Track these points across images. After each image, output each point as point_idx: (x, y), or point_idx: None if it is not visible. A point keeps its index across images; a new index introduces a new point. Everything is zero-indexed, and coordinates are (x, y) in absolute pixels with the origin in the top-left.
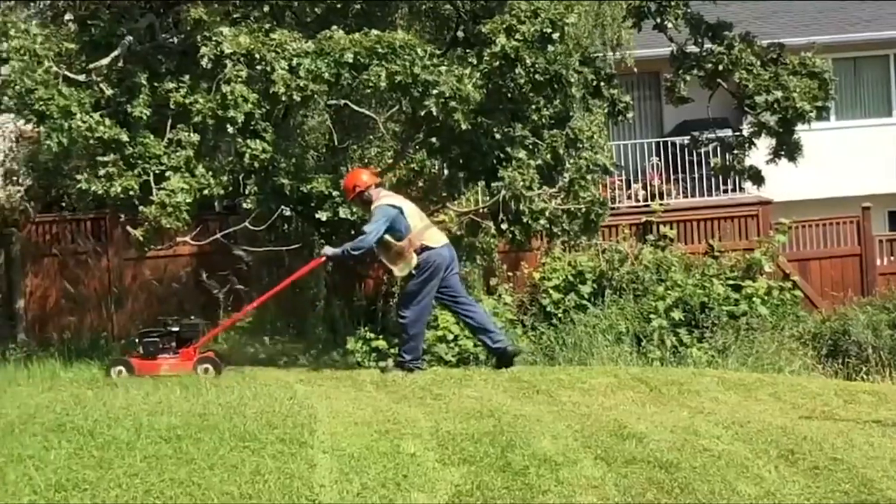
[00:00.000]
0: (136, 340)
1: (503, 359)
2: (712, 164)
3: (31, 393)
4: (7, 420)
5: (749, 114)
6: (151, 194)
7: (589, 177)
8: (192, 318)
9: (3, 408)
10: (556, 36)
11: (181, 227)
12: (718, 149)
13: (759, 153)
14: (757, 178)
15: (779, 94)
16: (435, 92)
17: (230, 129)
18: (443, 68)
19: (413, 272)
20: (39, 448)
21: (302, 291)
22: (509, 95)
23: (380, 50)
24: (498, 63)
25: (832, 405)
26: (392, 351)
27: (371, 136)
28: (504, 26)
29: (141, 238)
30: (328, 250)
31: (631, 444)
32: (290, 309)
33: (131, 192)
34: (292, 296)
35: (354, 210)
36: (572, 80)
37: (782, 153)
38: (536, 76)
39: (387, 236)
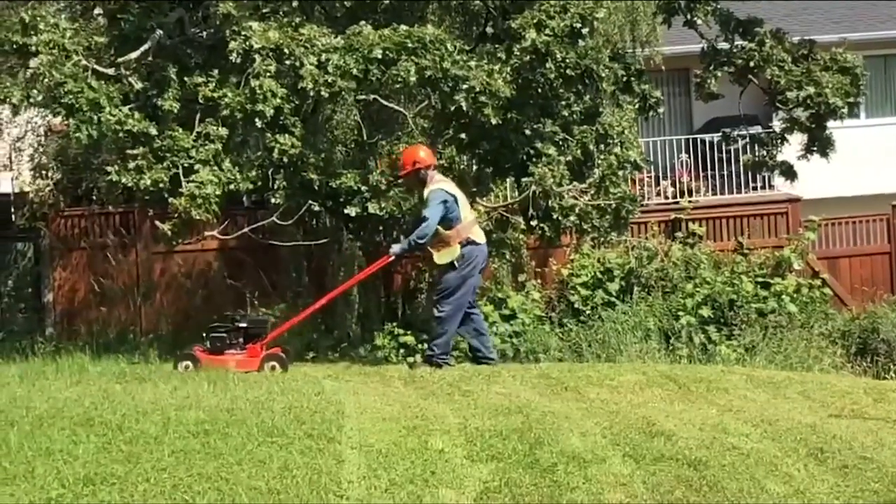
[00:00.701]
0: (204, 335)
1: (481, 363)
2: (744, 160)
3: (60, 387)
4: (35, 414)
5: (780, 110)
6: (181, 187)
7: (620, 173)
8: (262, 312)
9: (32, 401)
10: (585, 31)
11: (210, 219)
12: (748, 146)
13: (789, 149)
14: (789, 172)
15: (811, 89)
16: (465, 87)
17: (259, 124)
18: (472, 63)
19: (456, 263)
20: (68, 442)
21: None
22: (539, 90)
23: (409, 45)
24: (528, 58)
25: (861, 404)
26: (421, 347)
27: (400, 132)
28: (534, 21)
29: (169, 232)
30: (396, 248)
31: (659, 441)
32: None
33: (161, 185)
34: (321, 290)
35: (384, 205)
36: (603, 74)
37: (814, 149)
38: (567, 71)
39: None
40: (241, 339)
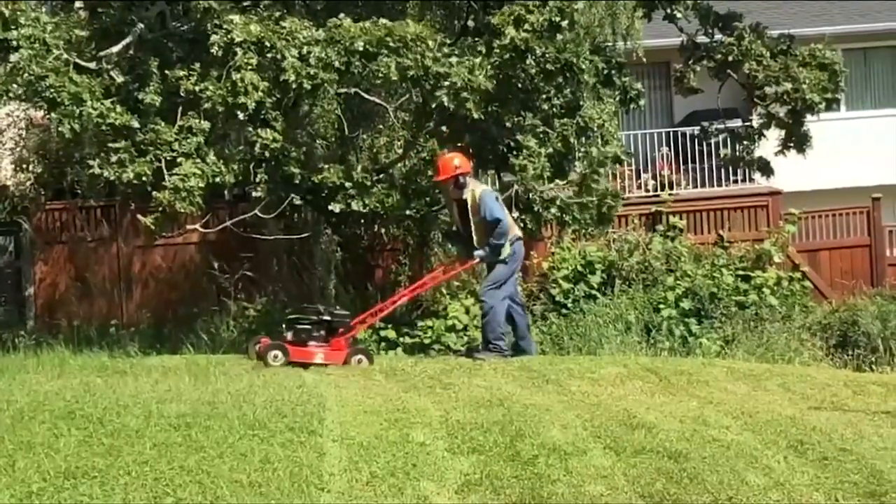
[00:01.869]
0: (285, 325)
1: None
2: (722, 155)
3: (41, 380)
4: (17, 407)
5: (759, 105)
6: (164, 180)
7: (601, 170)
8: (338, 308)
9: (13, 395)
10: (565, 23)
11: (195, 212)
12: (728, 139)
13: (768, 143)
14: (766, 169)
15: (788, 85)
16: (447, 83)
17: (240, 117)
18: (454, 59)
19: (507, 259)
20: (49, 435)
21: (310, 280)
22: (519, 85)
23: (391, 43)
24: (508, 55)
25: (841, 396)
26: (401, 340)
27: (381, 126)
28: (513, 17)
29: (151, 225)
30: (479, 253)
31: (640, 434)
32: (298, 297)
33: (143, 178)
34: (300, 284)
35: (367, 202)
36: (584, 66)
37: (791, 145)
38: (547, 65)
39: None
40: (323, 332)
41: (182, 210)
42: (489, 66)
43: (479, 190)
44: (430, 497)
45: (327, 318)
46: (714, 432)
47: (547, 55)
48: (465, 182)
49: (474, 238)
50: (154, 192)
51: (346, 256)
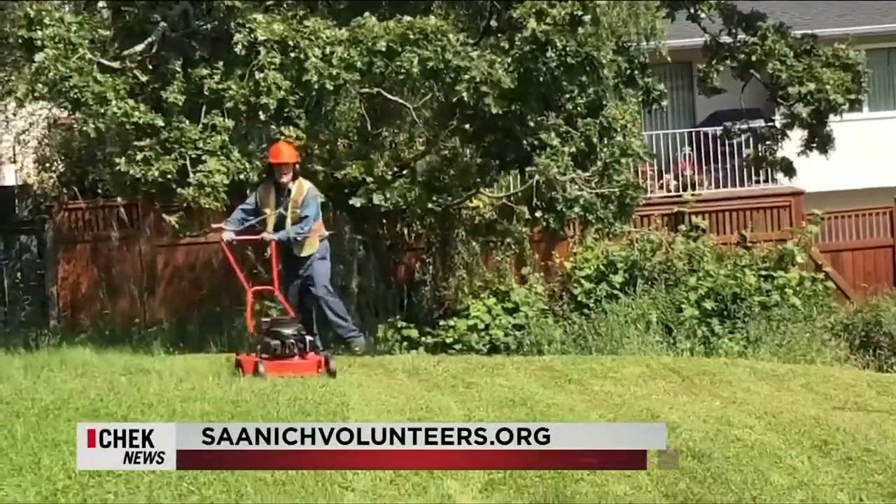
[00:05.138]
0: None
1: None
2: (745, 155)
3: (65, 378)
4: (41, 405)
5: (781, 105)
6: (189, 177)
7: (623, 160)
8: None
9: (37, 392)
10: (586, 18)
11: (220, 208)
12: (751, 140)
13: (791, 143)
14: (789, 170)
15: (812, 85)
16: (466, 77)
17: (262, 116)
18: (474, 53)
19: (325, 256)
20: (73, 433)
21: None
22: (541, 80)
23: (412, 36)
24: (528, 47)
25: (865, 396)
26: (423, 340)
27: (403, 124)
28: (534, 10)
29: (176, 224)
30: (277, 235)
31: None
32: None
33: (169, 176)
34: None
35: (388, 196)
36: (604, 61)
37: (814, 145)
38: (568, 59)
39: None
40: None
41: (207, 206)
42: (509, 61)
43: (307, 185)
44: (453, 496)
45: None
46: (737, 432)
47: (567, 48)
48: (297, 172)
49: (272, 223)
50: (179, 189)
51: (367, 255)
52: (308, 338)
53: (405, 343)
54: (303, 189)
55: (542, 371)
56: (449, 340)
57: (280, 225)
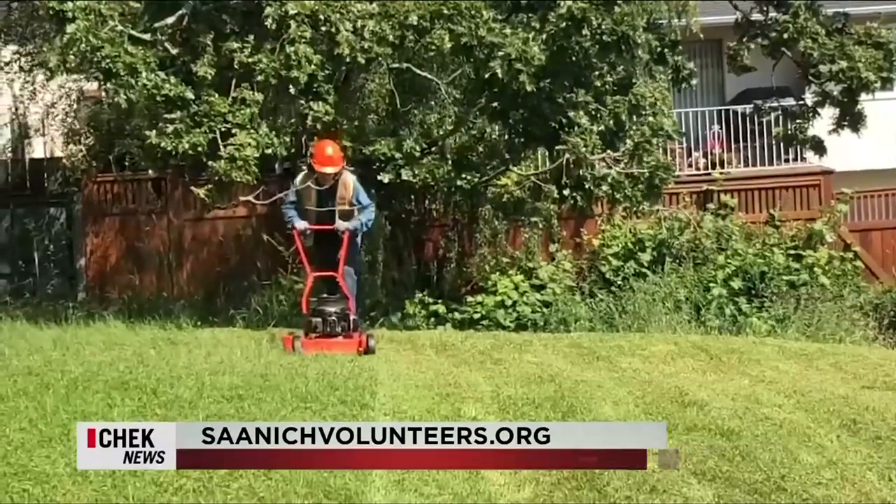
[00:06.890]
0: None
1: None
2: (775, 133)
3: (94, 351)
4: (70, 377)
5: (813, 83)
6: (219, 150)
7: (654, 140)
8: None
9: (67, 365)
10: None
11: (251, 181)
12: (781, 118)
13: (821, 122)
14: (819, 148)
15: (844, 63)
16: (500, 54)
17: (292, 90)
18: (508, 30)
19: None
20: (103, 405)
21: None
22: (573, 58)
23: (445, 11)
24: (564, 24)
25: (894, 376)
26: (451, 316)
27: (432, 101)
28: None
29: (205, 197)
30: (348, 224)
31: (692, 411)
32: None
33: (199, 148)
34: None
35: (417, 172)
36: (639, 41)
37: (845, 123)
38: (603, 37)
39: None
40: None
41: (238, 179)
42: (543, 38)
43: (350, 179)
44: (480, 471)
45: None
46: (766, 410)
47: (603, 26)
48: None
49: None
50: (210, 163)
51: (395, 231)
52: (352, 317)
53: (432, 319)
54: (348, 185)
55: (570, 348)
56: (476, 316)
57: (330, 219)
